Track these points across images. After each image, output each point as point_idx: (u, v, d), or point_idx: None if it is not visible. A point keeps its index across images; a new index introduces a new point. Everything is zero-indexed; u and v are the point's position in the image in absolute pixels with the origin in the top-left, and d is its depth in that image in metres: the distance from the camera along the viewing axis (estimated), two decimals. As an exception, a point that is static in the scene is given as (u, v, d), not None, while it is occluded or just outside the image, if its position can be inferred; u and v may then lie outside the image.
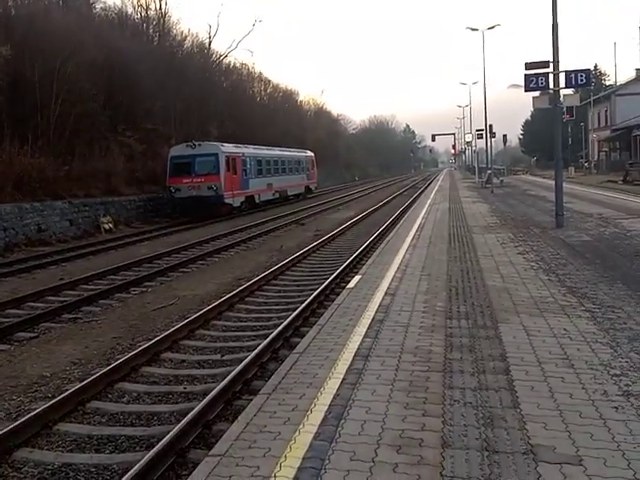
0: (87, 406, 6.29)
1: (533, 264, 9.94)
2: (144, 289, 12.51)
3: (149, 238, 21.59)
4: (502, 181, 40.55)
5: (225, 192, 27.44)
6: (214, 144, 28.74)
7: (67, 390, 6.53)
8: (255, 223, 24.48)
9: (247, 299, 10.97)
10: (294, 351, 6.00)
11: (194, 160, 27.46)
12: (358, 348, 5.84)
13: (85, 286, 12.93)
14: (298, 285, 12.18)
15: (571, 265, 9.73)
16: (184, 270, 14.57)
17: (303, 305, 9.51)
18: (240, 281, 12.57)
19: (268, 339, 7.74)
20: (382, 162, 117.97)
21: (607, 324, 6.28)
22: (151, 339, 8.37)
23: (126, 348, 8.36)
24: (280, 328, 8.24)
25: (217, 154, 27.72)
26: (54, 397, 6.38)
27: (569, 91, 17.65)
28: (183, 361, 7.78)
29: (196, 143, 27.73)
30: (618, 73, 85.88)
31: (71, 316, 10.38)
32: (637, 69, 67.43)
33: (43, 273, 14.95)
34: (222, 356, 7.81)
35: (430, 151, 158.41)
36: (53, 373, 7.46)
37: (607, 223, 15.24)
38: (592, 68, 77.48)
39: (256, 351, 7.24)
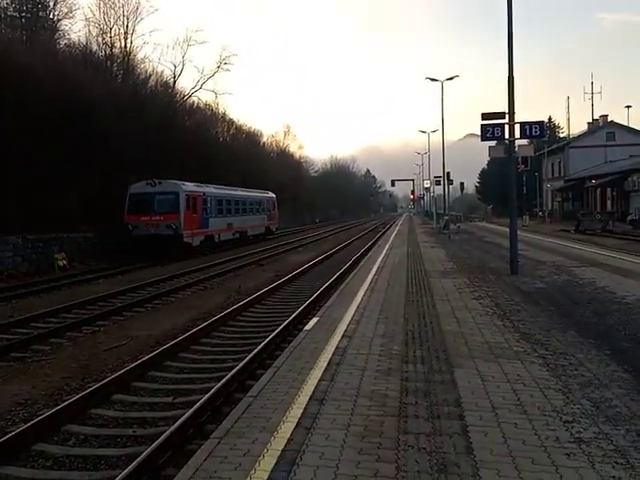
0: (32, 448, 6.04)
1: (488, 309, 10.07)
2: (96, 328, 12.21)
3: (104, 276, 21.18)
4: (459, 227, 41.31)
5: (184, 231, 27.22)
6: (175, 182, 28.58)
7: (11, 432, 6.27)
8: (214, 263, 24.28)
9: (202, 340, 10.79)
10: (248, 394, 5.90)
11: (154, 198, 27.26)
12: (314, 392, 5.77)
13: (36, 324, 12.58)
14: (255, 326, 12.06)
15: (525, 311, 9.88)
16: (139, 310, 14.29)
17: (260, 347, 9.40)
18: (196, 321, 12.38)
19: (222, 381, 7.60)
20: (343, 205, 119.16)
21: (560, 370, 6.36)
22: (101, 380, 8.14)
23: (75, 389, 8.10)
24: (235, 370, 8.11)
25: (178, 192, 27.59)
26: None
27: (524, 142, 18.19)
28: (134, 403, 7.57)
29: (156, 181, 27.56)
30: (571, 126, 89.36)
31: (20, 355, 10.07)
32: (589, 122, 70.40)
33: (-8, 310, 14.47)
34: (174, 399, 7.63)
35: (390, 196, 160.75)
36: (-4, 414, 7.17)
37: (560, 271, 15.59)
38: (546, 120, 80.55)
39: (209, 394, 7.10)
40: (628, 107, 72.71)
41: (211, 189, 32.37)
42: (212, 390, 7.25)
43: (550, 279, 14.06)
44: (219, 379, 7.91)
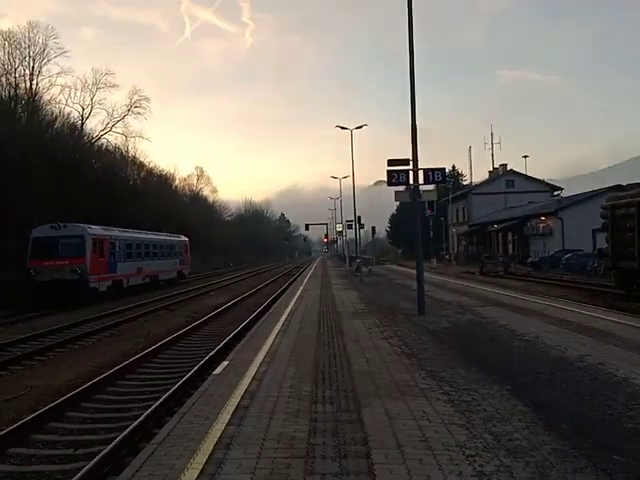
0: None
1: (396, 349, 10.25)
2: (-8, 379, 11.50)
3: (3, 324, 20.02)
4: (370, 270, 41.99)
5: (90, 276, 26.29)
6: (80, 225, 27.68)
7: None
8: (122, 308, 23.50)
9: (108, 389, 10.38)
10: (152, 441, 5.70)
11: (58, 241, 26.24)
12: (220, 437, 5.64)
13: None
14: (164, 373, 11.73)
15: (431, 350, 10.12)
16: (40, 358, 13.59)
17: (167, 394, 9.15)
18: (101, 369, 11.90)
19: (127, 431, 7.32)
20: (257, 249, 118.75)
21: (463, 406, 6.54)
22: (-5, 433, 7.64)
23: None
24: (141, 419, 7.84)
25: (83, 236, 26.72)
26: None
27: (430, 187, 18.94)
28: (31, 456, 7.13)
29: (61, 224, 26.62)
30: (474, 174, 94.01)
31: None
32: (490, 171, 74.26)
33: None
34: (75, 450, 7.26)
35: (304, 240, 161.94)
36: None
37: (465, 310, 16.11)
38: (450, 168, 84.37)
39: (112, 444, 6.81)
40: (525, 157, 76.95)
41: (119, 232, 31.55)
42: (116, 440, 6.97)
43: (455, 318, 14.50)
44: (124, 428, 7.61)
